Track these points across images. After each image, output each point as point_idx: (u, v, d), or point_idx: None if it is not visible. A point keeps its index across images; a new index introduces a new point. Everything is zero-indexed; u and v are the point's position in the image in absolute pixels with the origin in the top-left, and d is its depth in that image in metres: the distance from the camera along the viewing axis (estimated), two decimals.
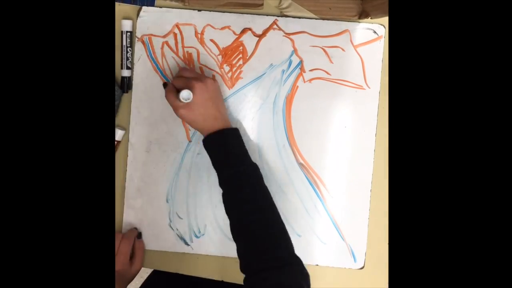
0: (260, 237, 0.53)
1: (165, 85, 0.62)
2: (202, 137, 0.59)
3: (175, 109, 0.57)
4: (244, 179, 0.56)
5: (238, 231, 0.55)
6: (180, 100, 0.56)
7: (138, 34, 0.64)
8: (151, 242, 0.66)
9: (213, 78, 0.60)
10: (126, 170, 0.65)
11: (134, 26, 0.64)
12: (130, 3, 0.64)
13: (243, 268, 0.53)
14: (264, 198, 0.56)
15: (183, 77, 0.59)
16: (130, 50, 0.64)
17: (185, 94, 0.56)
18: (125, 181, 0.65)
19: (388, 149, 0.66)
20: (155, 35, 0.64)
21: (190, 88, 0.56)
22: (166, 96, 0.59)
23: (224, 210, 0.57)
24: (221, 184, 0.57)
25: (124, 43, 0.63)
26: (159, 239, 0.66)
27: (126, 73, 0.64)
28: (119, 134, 0.64)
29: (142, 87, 0.65)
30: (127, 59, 0.64)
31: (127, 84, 0.64)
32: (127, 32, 0.63)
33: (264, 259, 0.51)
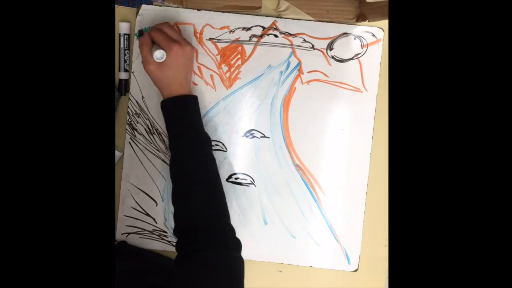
0: (202, 215, 0.54)
1: (140, 33, 0.60)
2: None
3: (145, 63, 0.57)
4: (200, 149, 0.58)
5: (180, 197, 0.56)
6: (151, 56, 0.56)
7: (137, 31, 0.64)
8: (145, 241, 0.66)
9: (192, 46, 0.59)
10: (122, 168, 0.65)
11: (131, 28, 0.64)
12: (129, 6, 0.64)
13: (178, 244, 0.54)
14: (214, 172, 0.58)
15: (163, 33, 0.58)
16: (127, 53, 0.64)
17: (158, 54, 0.56)
18: (121, 179, 0.65)
19: (384, 152, 0.66)
20: None
21: (167, 48, 0.56)
22: (140, 46, 0.58)
23: None
24: (173, 149, 0.58)
25: (122, 45, 0.64)
26: (153, 238, 0.66)
27: (123, 75, 0.65)
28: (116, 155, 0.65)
29: (139, 85, 0.65)
30: (125, 61, 0.64)
31: (124, 87, 0.65)
32: (124, 34, 0.64)
33: (200, 241, 0.52)
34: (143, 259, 0.64)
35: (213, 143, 0.65)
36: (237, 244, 0.54)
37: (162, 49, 0.56)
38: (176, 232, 0.56)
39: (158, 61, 0.56)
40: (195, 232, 0.53)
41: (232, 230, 0.55)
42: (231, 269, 0.50)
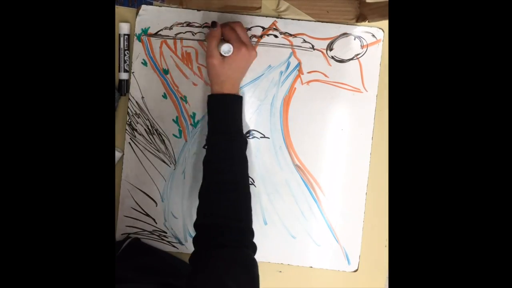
0: (229, 216, 0.54)
1: (214, 24, 0.60)
2: (198, 137, 0.58)
3: (210, 55, 0.58)
4: (238, 150, 0.58)
5: (209, 192, 0.57)
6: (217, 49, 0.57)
7: (137, 33, 0.64)
8: (145, 241, 0.66)
9: (256, 51, 0.61)
10: (122, 169, 0.65)
11: (131, 29, 0.64)
12: (129, 6, 0.64)
13: (199, 239, 0.54)
14: (246, 174, 0.58)
15: (235, 33, 0.59)
16: (127, 53, 0.64)
17: (225, 48, 0.57)
18: (121, 179, 0.65)
19: (384, 152, 0.66)
20: (153, 34, 0.65)
21: (236, 48, 0.57)
22: (209, 37, 0.59)
23: None
24: (211, 144, 0.58)
25: (122, 46, 0.64)
26: (153, 238, 0.66)
27: (123, 76, 0.65)
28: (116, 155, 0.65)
29: (139, 85, 0.65)
30: (125, 62, 0.64)
31: (124, 87, 0.65)
32: (124, 35, 0.64)
33: (223, 238, 0.52)
34: (157, 257, 0.65)
35: None
36: (254, 249, 0.55)
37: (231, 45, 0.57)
38: (196, 225, 0.56)
39: (223, 54, 0.57)
40: (218, 230, 0.53)
41: (252, 235, 0.55)
42: (250, 268, 0.50)
